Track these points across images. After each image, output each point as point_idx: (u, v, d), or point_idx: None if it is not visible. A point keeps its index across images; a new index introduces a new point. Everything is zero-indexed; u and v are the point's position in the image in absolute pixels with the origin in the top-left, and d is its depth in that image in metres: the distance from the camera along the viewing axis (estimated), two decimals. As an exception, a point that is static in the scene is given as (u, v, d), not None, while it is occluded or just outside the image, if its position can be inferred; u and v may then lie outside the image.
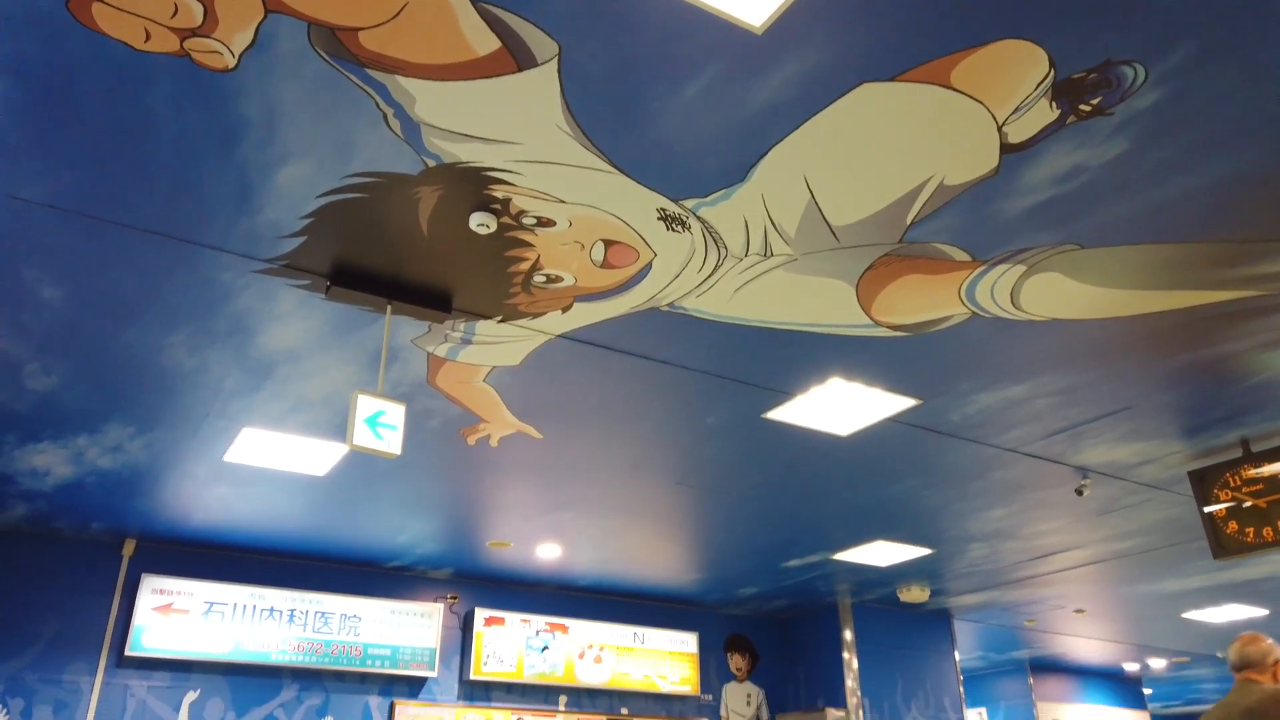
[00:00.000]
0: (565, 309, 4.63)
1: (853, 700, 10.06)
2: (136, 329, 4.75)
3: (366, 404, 4.80)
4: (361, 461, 6.39)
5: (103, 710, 7.52)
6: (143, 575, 7.88)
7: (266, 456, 6.29)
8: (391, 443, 4.90)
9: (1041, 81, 3.24)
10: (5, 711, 7.22)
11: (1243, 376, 5.29)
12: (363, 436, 4.76)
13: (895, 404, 5.59)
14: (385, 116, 3.40)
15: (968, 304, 4.57)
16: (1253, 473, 5.94)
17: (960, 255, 4.20)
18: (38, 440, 6.05)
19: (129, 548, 8.03)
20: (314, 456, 6.32)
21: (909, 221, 3.98)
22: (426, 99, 3.32)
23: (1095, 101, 3.33)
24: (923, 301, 4.55)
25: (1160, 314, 4.65)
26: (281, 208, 3.89)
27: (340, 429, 5.89)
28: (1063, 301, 4.54)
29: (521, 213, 3.93)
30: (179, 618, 7.89)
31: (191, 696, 7.86)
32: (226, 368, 5.16)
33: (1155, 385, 5.40)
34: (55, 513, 7.36)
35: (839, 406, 5.63)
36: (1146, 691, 15.76)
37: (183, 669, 7.89)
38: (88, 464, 6.43)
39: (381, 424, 4.81)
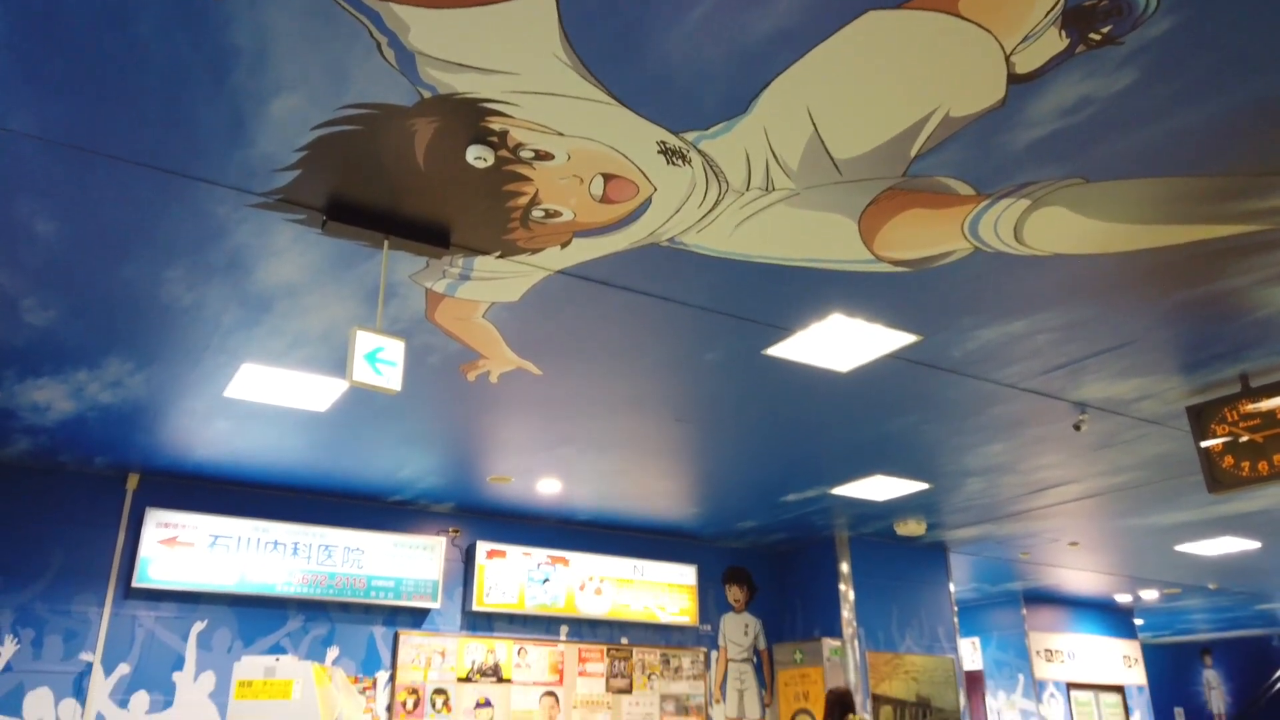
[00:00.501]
0: (564, 244, 4.59)
1: (848, 630, 10.26)
2: (133, 264, 4.71)
3: (365, 340, 4.79)
4: (362, 397, 6.41)
5: (112, 640, 7.67)
6: (147, 509, 7.97)
7: (267, 392, 6.31)
8: (391, 379, 4.91)
9: (1051, 9, 3.16)
10: (16, 641, 7.37)
11: (1244, 311, 5.27)
12: (362, 373, 4.76)
13: (896, 340, 5.58)
14: (379, 45, 3.32)
15: (970, 239, 4.53)
16: (1250, 408, 5.96)
17: (964, 189, 4.15)
18: (38, 375, 6.06)
19: (132, 482, 8.11)
20: (314, 392, 6.33)
21: (913, 154, 3.92)
22: (420, 27, 3.23)
23: (1105, 30, 3.25)
24: (925, 236, 4.51)
25: (1164, 249, 4.61)
26: (275, 140, 3.82)
27: (340, 365, 5.89)
28: (1066, 236, 4.50)
29: (519, 145, 3.87)
30: (184, 550, 8.00)
31: (199, 627, 8.01)
32: (224, 303, 5.14)
33: (1156, 321, 5.38)
34: (58, 447, 7.41)
35: (839, 343, 5.62)
36: (1138, 622, 16.07)
37: (189, 600, 8.03)
38: (88, 399, 6.45)
39: (381, 360, 4.81)
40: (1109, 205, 4.25)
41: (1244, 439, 5.94)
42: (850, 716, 8.30)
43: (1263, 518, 9.74)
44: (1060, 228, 4.43)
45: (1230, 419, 6.03)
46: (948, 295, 5.08)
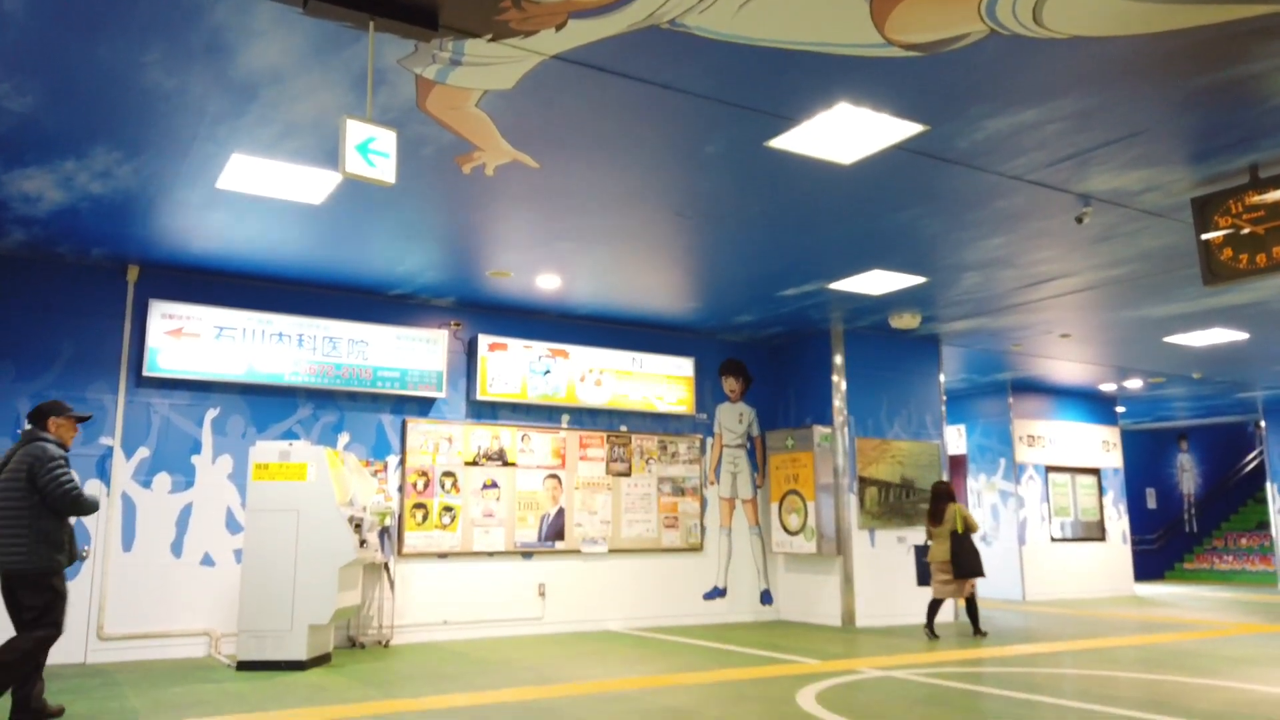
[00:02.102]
0: (559, 26, 4.37)
1: (839, 419, 10.64)
2: (108, 44, 4.50)
3: (356, 130, 4.66)
4: (357, 190, 6.31)
5: (129, 425, 7.97)
6: (150, 300, 8.05)
7: (260, 184, 6.21)
8: (385, 170, 4.81)
9: None
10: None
11: (1261, 99, 5.10)
12: (355, 164, 4.66)
13: (902, 130, 5.43)
14: None
15: (987, 20, 4.31)
16: (1256, 199, 5.89)
17: (983, -36, 3.90)
18: (24, 165, 5.94)
19: (133, 274, 8.14)
20: (308, 184, 6.23)
21: (931, -76, 3.65)
22: None
23: None
24: (940, 18, 4.28)
25: (1186, 30, 4.39)
26: (246, -93, 3.55)
27: (332, 156, 5.76)
28: (1087, 16, 4.28)
29: (509, -87, 3.60)
30: (190, 341, 8.16)
31: (212, 414, 8.30)
32: (207, 88, 4.95)
33: (1170, 109, 5.22)
34: (54, 238, 7.38)
35: (844, 133, 5.47)
36: (1119, 409, 16.65)
37: (201, 389, 8.27)
38: (79, 189, 6.36)
39: (373, 151, 4.70)
40: (1136, -18, 4.01)
41: (1245, 231, 5.91)
42: (952, 504, 9.28)
43: (1253, 310, 9.86)
44: (1081, 7, 4.20)
45: (1234, 211, 5.98)
46: (958, 82, 4.89)
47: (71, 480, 5.20)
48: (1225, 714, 5.26)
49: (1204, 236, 6.14)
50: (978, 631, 9.24)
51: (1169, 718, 5.18)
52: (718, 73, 4.81)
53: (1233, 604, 13.07)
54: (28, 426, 5.43)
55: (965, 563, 9.05)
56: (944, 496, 9.46)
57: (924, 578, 9.63)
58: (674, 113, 5.26)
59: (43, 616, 5.09)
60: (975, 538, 9.29)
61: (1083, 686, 6.30)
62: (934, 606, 9.18)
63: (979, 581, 9.76)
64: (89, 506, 5.29)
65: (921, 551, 9.72)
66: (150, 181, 6.22)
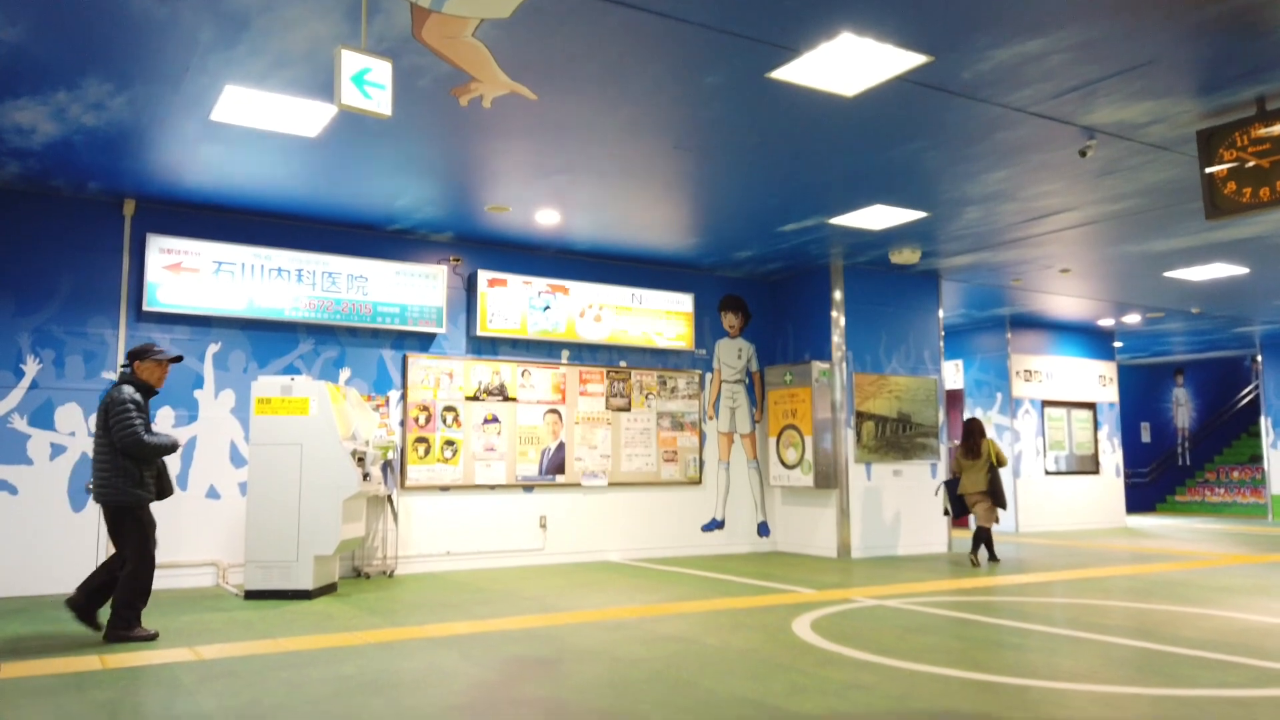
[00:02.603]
0: (557, -49, 4.27)
1: (837, 354, 10.68)
2: (96, -26, 4.41)
3: (351, 60, 4.60)
4: (353, 123, 6.24)
5: (132, 361, 8.00)
6: (148, 235, 8.01)
7: (254, 116, 6.13)
8: (381, 102, 4.76)
9: None
10: (38, 360, 7.68)
11: (1270, 29, 5.02)
12: (350, 95, 4.61)
13: (905, 60, 5.35)
14: None
15: (994, -55, 4.22)
16: (1262, 131, 5.83)
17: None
18: (16, 95, 5.86)
19: (129, 208, 8.09)
20: (303, 117, 6.15)
21: None
22: None
23: None
24: (945, -58, 4.19)
25: (1200, -43, 4.30)
26: None
27: (327, 88, 5.68)
28: (1097, -58, 4.18)
29: None
30: (190, 276, 8.14)
31: (213, 348, 8.33)
32: (199, 17, 4.87)
33: (1178, 38, 5.13)
34: (49, 171, 7.32)
35: (847, 64, 5.39)
36: (1117, 345, 16.70)
37: (201, 324, 8.29)
38: (72, 121, 6.28)
39: (369, 82, 4.65)
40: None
41: (1250, 164, 5.87)
42: (984, 440, 9.75)
43: (1255, 244, 9.84)
44: (1091, -68, 4.11)
45: (1240, 143, 5.93)
46: (964, 11, 4.81)
47: (133, 425, 5.50)
48: (1213, 642, 5.40)
49: (1208, 170, 6.09)
50: (994, 558, 9.73)
51: (1157, 645, 5.32)
52: (718, 1, 4.72)
53: (1223, 535, 13.29)
54: (123, 365, 5.85)
55: (999, 492, 9.59)
56: (978, 432, 9.82)
57: (958, 510, 9.95)
58: (674, 43, 5.18)
59: (130, 547, 5.54)
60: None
61: (1072, 615, 6.45)
62: (982, 535, 9.59)
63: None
64: (150, 450, 5.59)
65: (952, 485, 10.02)
66: (143, 114, 6.15)
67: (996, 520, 9.69)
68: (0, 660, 4.98)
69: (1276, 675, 4.51)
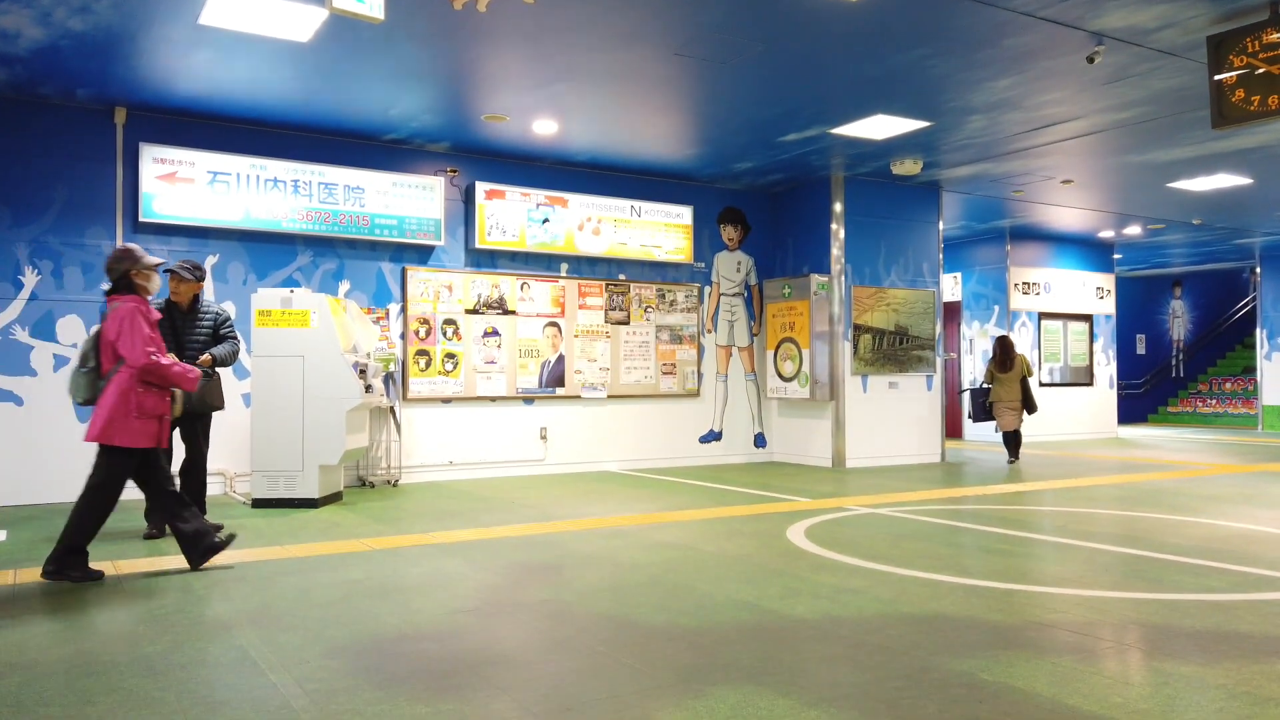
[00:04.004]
0: None
1: (836, 267, 10.66)
2: None
3: (343, -39, 4.47)
4: (345, 28, 6.09)
5: (130, 274, 7.97)
6: (141, 144, 7.90)
7: (244, 19, 5.99)
8: (373, 5, 4.65)
9: None
10: (37, 272, 7.66)
11: (1292, -70, 4.88)
12: (343, -2, 4.50)
13: (912, -38, 5.21)
14: None
15: None
16: (1275, 36, 5.71)
17: None
18: (-2, 2, 5.71)
19: (120, 116, 7.95)
20: (294, 20, 6.01)
21: None
22: None
23: None
24: None
25: None
26: None
27: (318, -10, 5.54)
28: None
29: None
30: (185, 186, 8.06)
31: (211, 260, 8.30)
32: (185, -82, 4.71)
33: (1195, -60, 4.99)
34: (36, 78, 7.18)
35: (851, -35, 5.24)
36: (1116, 257, 16.64)
37: (199, 235, 8.24)
38: (57, 25, 6.13)
39: (362, -16, 4.52)
40: None
41: (1260, 71, 5.76)
42: (1018, 355, 11.08)
43: (1259, 154, 9.73)
44: None
45: (1250, 49, 5.81)
46: (974, -91, 4.66)
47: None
48: (1196, 548, 5.55)
49: (1217, 77, 5.99)
50: (1016, 458, 11.04)
51: (1142, 551, 5.47)
52: (721, -101, 4.57)
53: (1213, 445, 13.50)
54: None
55: (1030, 400, 11.06)
56: (1011, 349, 11.07)
57: (980, 414, 11.33)
58: (675, -57, 5.03)
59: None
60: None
61: (1060, 523, 6.60)
62: (1013, 437, 10.99)
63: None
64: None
65: (979, 394, 11.37)
66: (131, 17, 5.99)
67: (1020, 424, 11.08)
68: (16, 566, 5.11)
69: (1257, 580, 4.65)
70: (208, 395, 6.03)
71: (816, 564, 5.07)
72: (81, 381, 4.82)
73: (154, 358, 4.76)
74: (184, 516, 4.95)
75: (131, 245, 5.07)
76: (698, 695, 2.96)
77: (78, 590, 4.55)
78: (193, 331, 6.15)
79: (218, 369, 6.21)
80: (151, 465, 4.93)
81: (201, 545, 4.96)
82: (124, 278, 4.88)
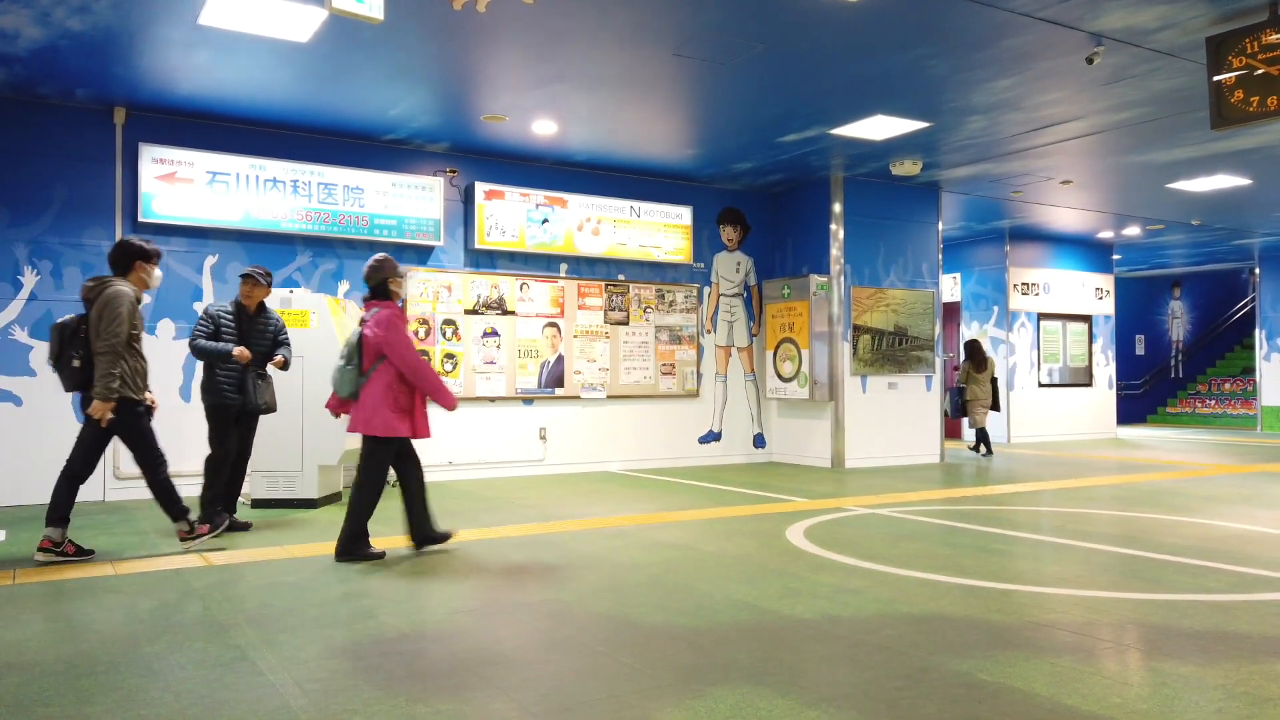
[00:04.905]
0: None
1: (835, 268, 10.66)
2: None
3: (343, -39, 4.48)
4: (345, 28, 6.09)
5: (129, 274, 7.97)
6: (140, 144, 7.90)
7: (243, 20, 5.99)
8: (373, 6, 4.65)
9: None
10: (36, 272, 7.66)
11: (1291, -69, 4.88)
12: (343, -2, 4.50)
13: (911, -37, 5.21)
14: None
15: None
16: (1274, 37, 5.72)
17: None
18: (-2, 2, 5.71)
19: (120, 116, 7.95)
20: (293, 20, 6.01)
21: None
22: None
23: None
24: None
25: None
26: None
27: (318, -10, 5.54)
28: None
29: None
30: (184, 187, 8.06)
31: (211, 260, 8.29)
32: (184, -82, 4.71)
33: (1194, -59, 5.00)
34: (36, 79, 7.18)
35: (850, -35, 5.25)
36: (1115, 257, 16.64)
37: (198, 235, 8.24)
38: (57, 25, 6.13)
39: (361, -15, 4.53)
40: None
41: (1259, 72, 5.77)
42: (989, 357, 12.21)
43: (1258, 155, 9.74)
44: None
45: (1250, 50, 5.82)
46: (973, -90, 4.66)
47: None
48: (1195, 548, 5.55)
49: (1216, 78, 5.99)
50: (990, 452, 11.97)
51: (1140, 551, 5.47)
52: (721, -100, 4.57)
53: (1211, 446, 13.51)
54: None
55: (997, 398, 12.23)
56: (983, 350, 12.22)
57: (957, 411, 12.18)
58: (674, -56, 5.03)
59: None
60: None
61: (1058, 523, 6.61)
62: (984, 433, 11.97)
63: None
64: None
65: (958, 392, 12.17)
66: (130, 17, 6.00)
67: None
68: (15, 566, 5.11)
69: (1256, 580, 4.66)
70: (270, 398, 6.40)
71: (816, 564, 5.07)
72: (348, 377, 5.28)
73: (425, 361, 5.34)
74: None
75: (387, 255, 5.54)
76: (698, 695, 2.96)
77: (78, 590, 4.55)
78: (260, 336, 6.34)
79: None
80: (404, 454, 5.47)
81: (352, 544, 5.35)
82: (382, 285, 5.42)
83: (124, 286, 5.17)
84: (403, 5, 5.73)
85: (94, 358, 5.01)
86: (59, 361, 5.11)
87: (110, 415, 5.04)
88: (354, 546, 5.23)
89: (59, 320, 5.21)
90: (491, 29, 6.20)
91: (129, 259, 5.33)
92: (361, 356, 5.29)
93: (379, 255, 5.54)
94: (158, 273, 5.49)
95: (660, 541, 5.83)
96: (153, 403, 5.34)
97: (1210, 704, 2.86)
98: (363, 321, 5.37)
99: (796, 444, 11.04)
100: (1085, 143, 9.18)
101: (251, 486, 7.33)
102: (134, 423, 5.18)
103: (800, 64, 6.92)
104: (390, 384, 5.22)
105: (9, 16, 5.97)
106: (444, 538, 5.56)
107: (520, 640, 3.66)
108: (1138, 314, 20.24)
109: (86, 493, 7.68)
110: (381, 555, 5.30)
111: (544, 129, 8.60)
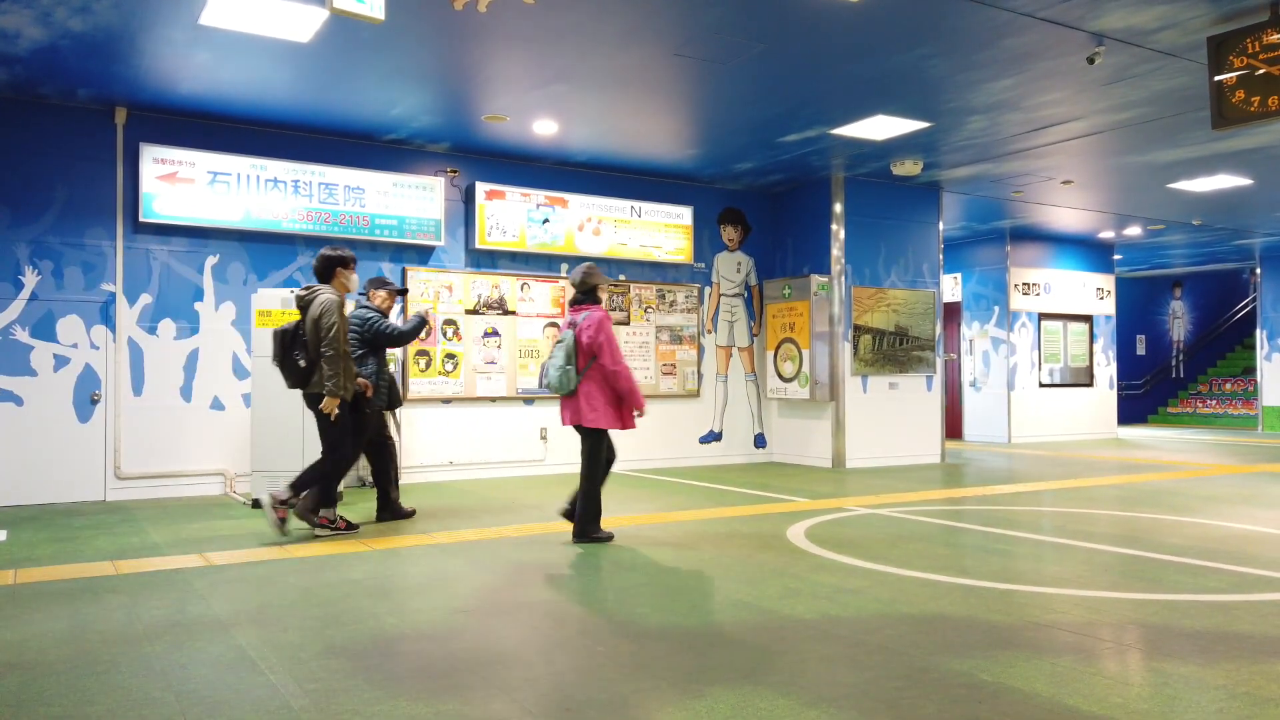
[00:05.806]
0: None
1: (836, 268, 10.66)
2: None
3: (344, -39, 4.48)
4: (346, 28, 6.09)
5: (130, 271, 7.99)
6: (141, 144, 7.91)
7: (244, 20, 5.99)
8: (374, 6, 4.66)
9: None
10: (37, 272, 7.67)
11: (1292, -69, 4.88)
12: (344, -1, 4.50)
13: (912, -37, 5.21)
14: None
15: None
16: (1275, 37, 5.71)
17: None
18: (-1, 2, 5.72)
19: (120, 116, 7.96)
20: (294, 20, 6.01)
21: None
22: None
23: None
24: None
25: None
26: None
27: (319, -9, 5.54)
28: None
29: None
30: (185, 187, 8.06)
31: (212, 261, 8.30)
32: (185, -82, 4.71)
33: (1195, -59, 4.99)
34: (37, 79, 7.18)
35: (851, -35, 5.25)
36: (1116, 257, 16.63)
37: (199, 235, 8.24)
38: (58, 25, 6.14)
39: (362, -15, 4.53)
40: None
41: (1260, 72, 5.77)
42: None
43: (1259, 155, 9.73)
44: None
45: (1250, 50, 5.82)
46: (974, -90, 4.66)
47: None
48: (1195, 548, 5.55)
49: (1217, 78, 5.99)
50: None
51: (1141, 551, 5.47)
52: (721, -100, 4.57)
53: (1212, 446, 13.50)
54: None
55: None
56: None
57: None
58: (675, -56, 5.03)
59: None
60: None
61: (1059, 523, 6.60)
62: None
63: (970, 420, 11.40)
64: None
65: None
66: (131, 17, 6.00)
67: None
68: (16, 566, 5.12)
69: (1257, 580, 4.66)
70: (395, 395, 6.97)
71: (816, 564, 5.07)
72: (569, 377, 5.70)
73: (626, 365, 5.80)
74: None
75: (594, 263, 6.11)
76: (697, 695, 2.96)
77: (79, 590, 4.55)
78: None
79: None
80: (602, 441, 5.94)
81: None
82: (592, 291, 5.86)
83: (330, 294, 5.79)
84: (403, 5, 5.73)
85: (320, 360, 5.70)
86: (284, 362, 5.82)
87: (337, 410, 5.76)
88: (590, 528, 5.79)
89: (279, 327, 5.90)
90: (492, 29, 6.20)
91: (330, 267, 5.95)
92: (577, 356, 5.73)
93: (587, 263, 5.95)
94: (354, 276, 6.07)
95: (661, 540, 5.83)
96: (367, 388, 6.20)
97: (1211, 704, 2.86)
98: (572, 324, 5.79)
99: (797, 444, 11.04)
100: (1086, 143, 9.18)
101: (252, 486, 7.33)
102: (342, 414, 5.84)
103: (801, 64, 6.92)
104: (602, 382, 5.74)
105: (10, 16, 5.97)
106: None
107: (520, 640, 3.66)
108: (1138, 314, 20.23)
109: (87, 492, 7.73)
110: (610, 537, 5.84)
111: (545, 129, 8.61)
